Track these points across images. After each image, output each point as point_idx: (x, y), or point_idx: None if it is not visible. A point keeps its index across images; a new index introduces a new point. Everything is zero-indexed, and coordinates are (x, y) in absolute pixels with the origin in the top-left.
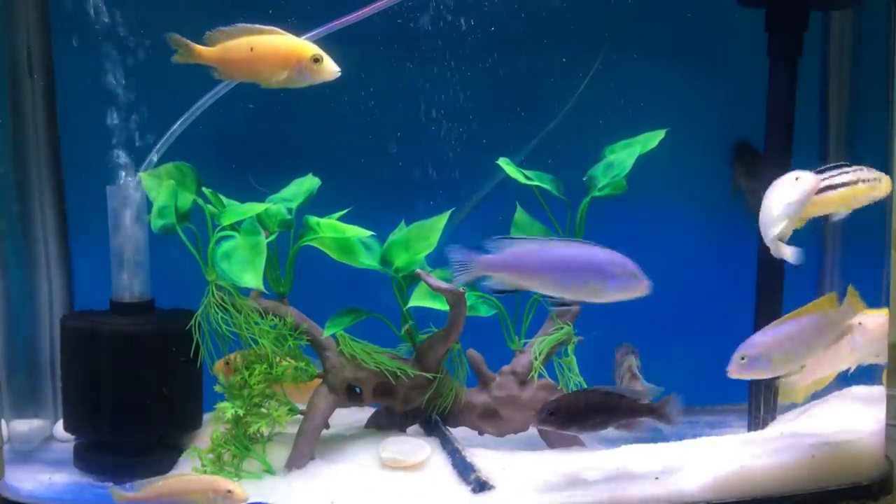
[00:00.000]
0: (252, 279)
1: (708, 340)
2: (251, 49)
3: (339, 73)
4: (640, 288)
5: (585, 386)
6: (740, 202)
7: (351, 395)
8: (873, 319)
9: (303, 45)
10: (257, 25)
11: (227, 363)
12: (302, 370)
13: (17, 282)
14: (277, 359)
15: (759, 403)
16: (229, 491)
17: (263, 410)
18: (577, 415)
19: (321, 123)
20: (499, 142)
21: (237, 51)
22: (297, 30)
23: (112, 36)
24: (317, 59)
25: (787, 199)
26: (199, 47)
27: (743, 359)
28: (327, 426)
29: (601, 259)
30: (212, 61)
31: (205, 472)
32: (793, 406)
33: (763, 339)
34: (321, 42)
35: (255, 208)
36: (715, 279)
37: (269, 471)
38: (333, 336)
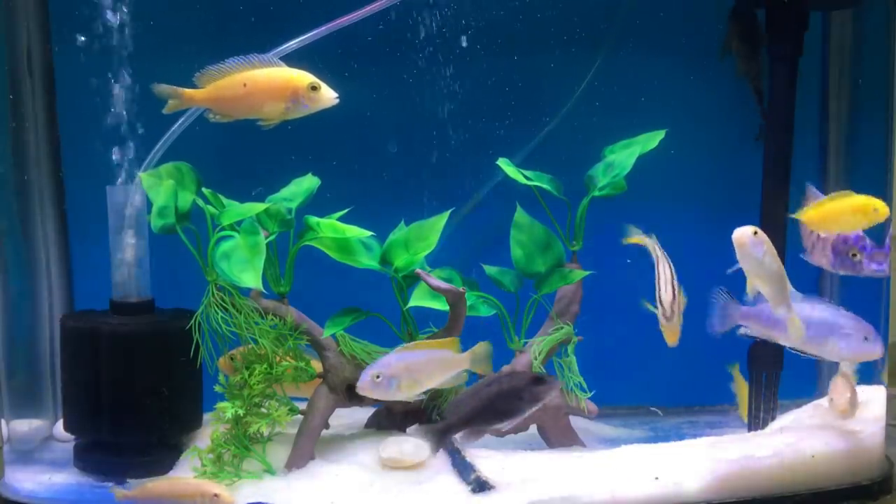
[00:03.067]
0: (251, 279)
1: (708, 340)
2: (244, 85)
3: (338, 100)
4: (873, 352)
5: (585, 386)
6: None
7: (351, 395)
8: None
9: (299, 75)
10: (251, 57)
11: (232, 358)
12: (302, 370)
13: (17, 282)
14: (278, 358)
15: (759, 403)
16: (215, 495)
17: (263, 410)
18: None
19: (321, 123)
20: (499, 142)
21: (230, 88)
22: (297, 32)
23: (112, 36)
24: (314, 88)
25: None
26: (188, 91)
27: (378, 377)
28: (327, 426)
29: (841, 321)
30: (205, 103)
31: (205, 472)
32: (793, 406)
33: (394, 361)
34: (321, 43)
35: (255, 208)
36: (715, 279)
37: (269, 471)
38: (333, 336)
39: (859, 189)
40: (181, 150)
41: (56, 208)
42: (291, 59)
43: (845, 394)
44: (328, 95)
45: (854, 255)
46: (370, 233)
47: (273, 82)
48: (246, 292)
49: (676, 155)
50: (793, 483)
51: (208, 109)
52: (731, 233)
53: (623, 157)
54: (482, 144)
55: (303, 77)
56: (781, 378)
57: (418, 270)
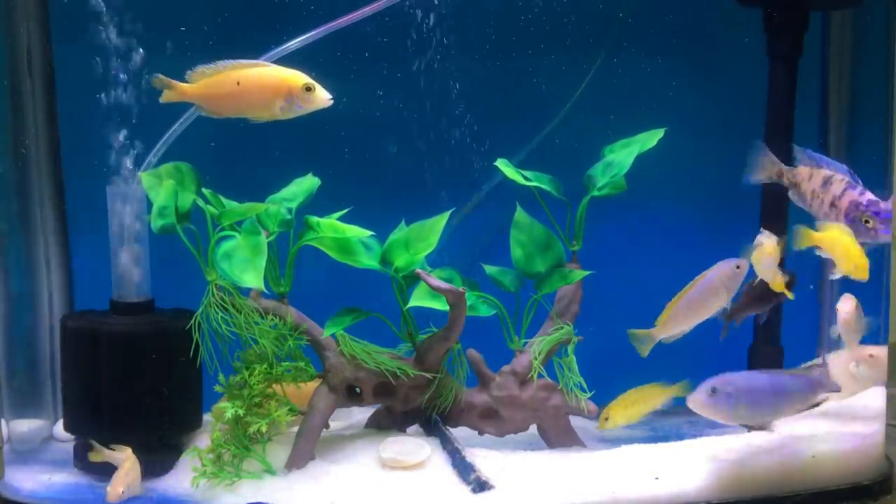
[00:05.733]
0: (253, 279)
1: (708, 341)
2: (238, 83)
3: (332, 101)
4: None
5: (585, 386)
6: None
7: (351, 395)
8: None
9: (294, 75)
10: (241, 60)
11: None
12: (302, 370)
13: (17, 282)
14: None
15: None
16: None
17: (263, 411)
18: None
19: (320, 123)
20: (499, 142)
21: (224, 85)
22: (297, 33)
23: (112, 35)
24: (309, 89)
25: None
26: (181, 85)
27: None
28: (327, 426)
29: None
30: (196, 98)
31: (205, 471)
32: None
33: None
34: (320, 43)
35: (256, 208)
36: None
37: (269, 471)
38: (333, 336)
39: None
40: (181, 150)
41: (56, 208)
42: (291, 59)
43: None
44: (322, 97)
45: (866, 221)
46: (370, 233)
47: (268, 81)
48: (246, 292)
49: (676, 154)
50: (793, 483)
51: (199, 107)
52: (730, 234)
53: (622, 156)
54: (482, 144)
55: (298, 77)
56: None
57: (418, 270)
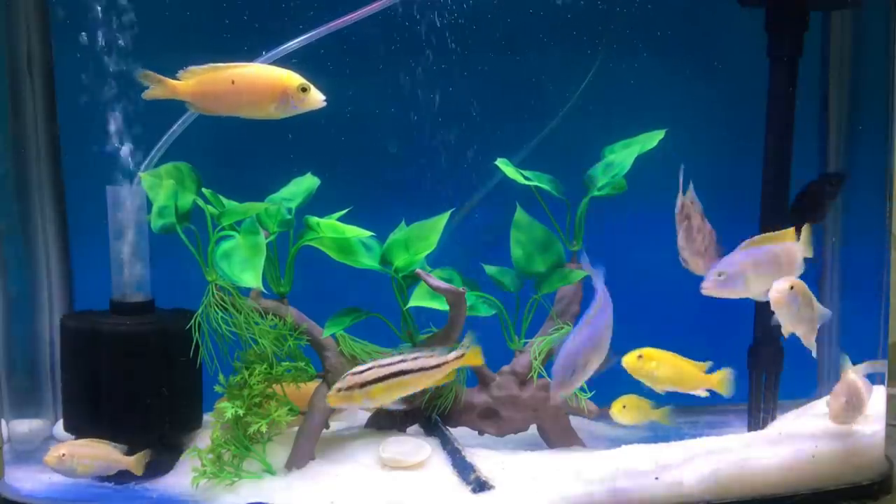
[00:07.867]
0: (251, 279)
1: (708, 341)
2: (233, 82)
3: (326, 102)
4: None
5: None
6: None
7: None
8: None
9: (288, 76)
10: (231, 63)
11: None
12: (302, 370)
13: (17, 282)
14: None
15: (759, 403)
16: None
17: (263, 411)
18: None
19: (320, 122)
20: (499, 141)
21: (218, 84)
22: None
23: (112, 35)
24: (304, 89)
25: None
26: (173, 81)
27: (720, 275)
28: (327, 426)
29: None
30: (189, 96)
31: (205, 471)
32: (793, 406)
33: (742, 258)
34: (319, 42)
35: (255, 208)
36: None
37: (269, 471)
38: (333, 336)
39: (859, 188)
40: (181, 150)
41: (56, 208)
42: (289, 59)
43: (840, 398)
44: (317, 97)
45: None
46: (370, 233)
47: (263, 81)
48: (246, 292)
49: (676, 154)
50: (793, 483)
51: (189, 104)
52: (731, 234)
53: (622, 156)
54: (482, 144)
55: (293, 78)
56: (781, 378)
57: (418, 270)
